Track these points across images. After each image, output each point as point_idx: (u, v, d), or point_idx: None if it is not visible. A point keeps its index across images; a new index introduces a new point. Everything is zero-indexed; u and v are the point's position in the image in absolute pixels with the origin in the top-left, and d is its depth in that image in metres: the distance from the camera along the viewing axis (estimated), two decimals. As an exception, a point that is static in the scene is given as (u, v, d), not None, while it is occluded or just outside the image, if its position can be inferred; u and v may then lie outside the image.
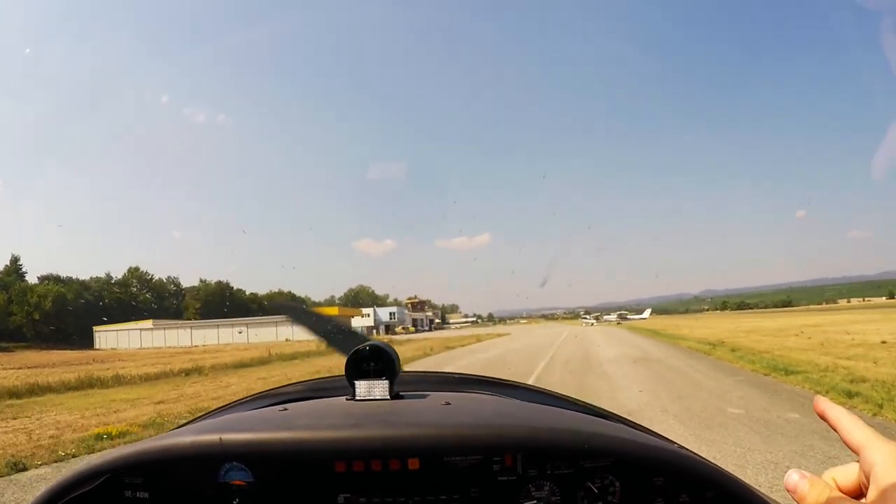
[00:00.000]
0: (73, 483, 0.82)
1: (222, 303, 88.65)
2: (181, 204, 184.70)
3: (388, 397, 0.96)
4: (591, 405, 1.15)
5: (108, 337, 66.48)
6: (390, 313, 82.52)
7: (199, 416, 1.21)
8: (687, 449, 0.90)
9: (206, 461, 0.80)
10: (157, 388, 14.96)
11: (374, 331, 72.02)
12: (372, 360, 0.97)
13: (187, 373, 19.02)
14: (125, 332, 66.26)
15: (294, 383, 1.35)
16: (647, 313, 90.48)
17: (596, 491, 0.82)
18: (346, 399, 0.98)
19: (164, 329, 66.52)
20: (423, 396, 1.02)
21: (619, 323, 78.94)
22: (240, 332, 60.43)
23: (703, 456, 0.88)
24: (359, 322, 73.30)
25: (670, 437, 0.95)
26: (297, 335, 58.96)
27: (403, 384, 1.06)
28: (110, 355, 39.23)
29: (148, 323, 68.46)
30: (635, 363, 16.48)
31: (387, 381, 0.96)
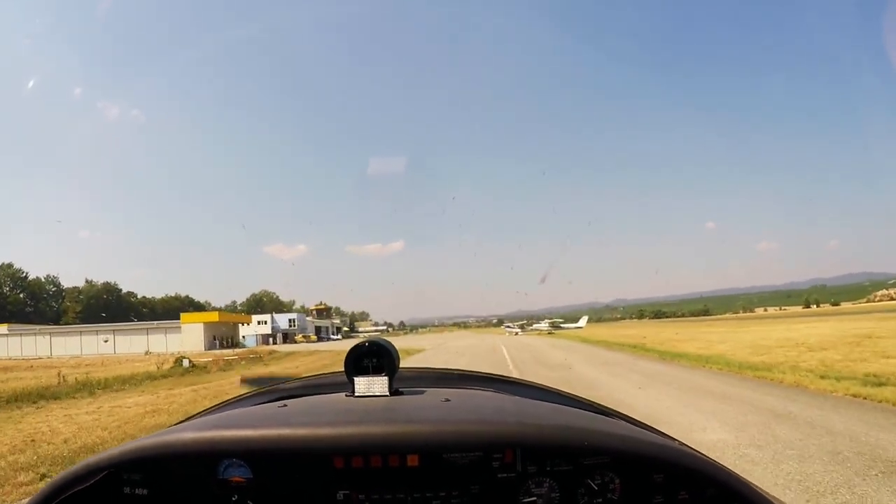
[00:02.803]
0: (72, 479, 0.82)
1: (108, 306, 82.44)
2: (90, 202, 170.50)
3: (388, 394, 0.97)
4: (591, 402, 1.15)
5: (-38, 343, 59.10)
6: (290, 320, 79.08)
7: (198, 413, 1.20)
8: (688, 446, 0.90)
9: (205, 457, 0.81)
10: None
11: (271, 339, 69.25)
12: (371, 356, 0.99)
13: None
14: (-21, 338, 59.07)
15: (293, 379, 1.36)
16: (583, 321, 77.14)
17: (596, 488, 0.82)
18: (346, 395, 0.99)
19: (21, 335, 59.75)
20: (423, 393, 1.03)
21: (550, 332, 63.12)
22: (105, 341, 55.51)
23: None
24: (252, 330, 69.85)
25: None
26: (170, 346, 55.29)
27: (403, 381, 1.06)
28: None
29: (3, 328, 61.29)
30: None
31: (386, 378, 0.98)
